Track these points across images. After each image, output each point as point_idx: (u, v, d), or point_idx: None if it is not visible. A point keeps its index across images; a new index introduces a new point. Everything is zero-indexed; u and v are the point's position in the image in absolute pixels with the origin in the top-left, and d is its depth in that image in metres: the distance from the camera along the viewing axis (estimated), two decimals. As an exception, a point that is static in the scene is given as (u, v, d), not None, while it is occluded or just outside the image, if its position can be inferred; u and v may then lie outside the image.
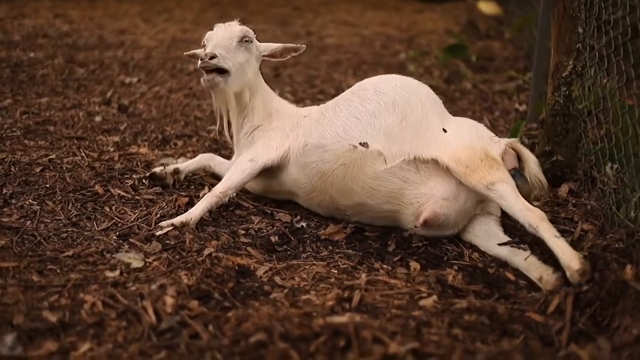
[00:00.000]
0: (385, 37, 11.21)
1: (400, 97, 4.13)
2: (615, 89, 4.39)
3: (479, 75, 8.36)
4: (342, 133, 4.13)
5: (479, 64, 8.83)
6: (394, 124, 4.06)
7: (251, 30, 4.46)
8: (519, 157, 4.08)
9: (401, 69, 8.79)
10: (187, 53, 4.82)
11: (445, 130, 4.10)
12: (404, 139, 4.03)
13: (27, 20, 11.76)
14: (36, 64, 8.64)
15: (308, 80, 8.19)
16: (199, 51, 4.60)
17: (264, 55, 4.58)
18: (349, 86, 7.58)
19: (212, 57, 4.19)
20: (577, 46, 4.62)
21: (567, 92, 4.68)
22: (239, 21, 4.52)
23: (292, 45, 4.63)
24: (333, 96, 7.11)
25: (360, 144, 4.04)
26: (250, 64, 4.46)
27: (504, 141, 4.11)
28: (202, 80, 4.32)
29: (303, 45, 4.64)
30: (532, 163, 4.10)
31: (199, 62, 4.23)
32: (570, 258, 3.41)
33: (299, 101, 6.92)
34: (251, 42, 4.44)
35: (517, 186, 3.87)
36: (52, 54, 9.24)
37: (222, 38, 4.34)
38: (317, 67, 8.89)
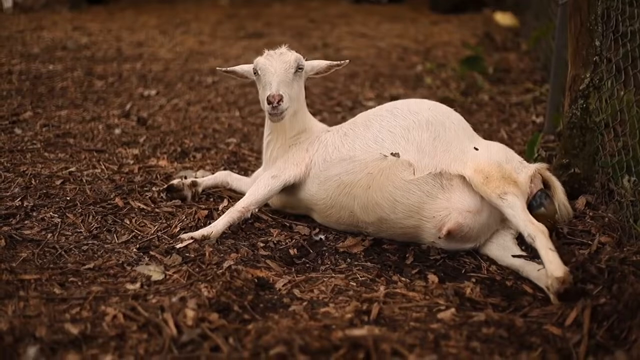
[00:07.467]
0: (401, 49, 11.24)
1: (434, 119, 4.24)
2: (632, 102, 4.40)
3: (495, 87, 8.37)
4: (372, 144, 4.22)
5: (496, 76, 8.85)
6: (427, 141, 4.15)
7: (301, 57, 4.48)
8: (546, 184, 4.15)
9: (418, 81, 8.81)
10: (225, 69, 4.75)
11: (476, 149, 4.18)
12: (435, 154, 4.11)
13: (45, 33, 11.90)
14: (55, 76, 8.74)
15: (325, 93, 8.22)
16: (238, 68, 4.66)
17: (310, 75, 4.62)
18: (366, 98, 7.70)
19: (280, 99, 4.19)
20: (594, 59, 4.63)
21: (584, 105, 4.68)
22: (287, 47, 4.53)
23: (335, 62, 4.66)
24: (350, 108, 7.19)
25: (391, 154, 4.11)
26: (301, 89, 4.53)
27: (534, 166, 4.16)
28: (269, 114, 4.28)
29: (346, 60, 4.72)
30: (559, 190, 4.18)
31: (267, 105, 4.20)
32: (555, 267, 3.49)
33: (316, 113, 6.94)
34: (303, 68, 4.48)
35: (544, 206, 3.98)
36: (71, 67, 9.34)
37: (281, 72, 4.34)
38: (334, 79, 8.93)
